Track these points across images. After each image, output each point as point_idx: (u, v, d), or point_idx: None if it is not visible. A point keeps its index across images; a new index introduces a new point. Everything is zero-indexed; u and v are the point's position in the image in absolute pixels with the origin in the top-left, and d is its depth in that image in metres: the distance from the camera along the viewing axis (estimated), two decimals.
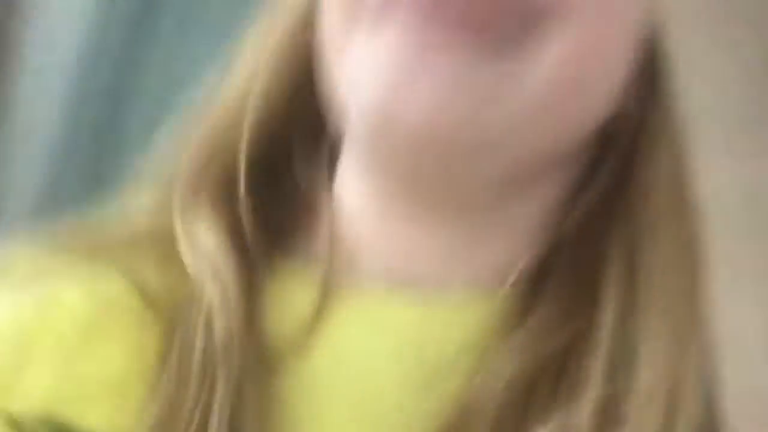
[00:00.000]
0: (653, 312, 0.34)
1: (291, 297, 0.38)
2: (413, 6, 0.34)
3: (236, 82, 0.41)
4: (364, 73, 0.35)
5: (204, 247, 0.38)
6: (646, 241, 0.36)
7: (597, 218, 0.37)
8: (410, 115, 0.34)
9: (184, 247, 0.38)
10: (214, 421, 0.34)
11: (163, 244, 0.39)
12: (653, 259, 0.35)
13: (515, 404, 0.34)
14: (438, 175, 0.37)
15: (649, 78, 0.37)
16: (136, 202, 0.41)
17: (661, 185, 0.36)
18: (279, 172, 0.41)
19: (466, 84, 0.34)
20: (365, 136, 0.37)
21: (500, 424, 0.34)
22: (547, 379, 0.34)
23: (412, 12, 0.34)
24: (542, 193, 0.39)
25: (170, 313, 0.37)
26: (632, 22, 0.36)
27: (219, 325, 0.36)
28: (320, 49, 0.39)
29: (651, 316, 0.34)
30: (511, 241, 0.39)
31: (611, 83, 0.37)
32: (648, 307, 0.35)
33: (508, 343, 0.36)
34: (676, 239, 0.35)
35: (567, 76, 0.36)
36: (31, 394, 0.36)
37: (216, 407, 0.34)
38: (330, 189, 0.40)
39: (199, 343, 0.36)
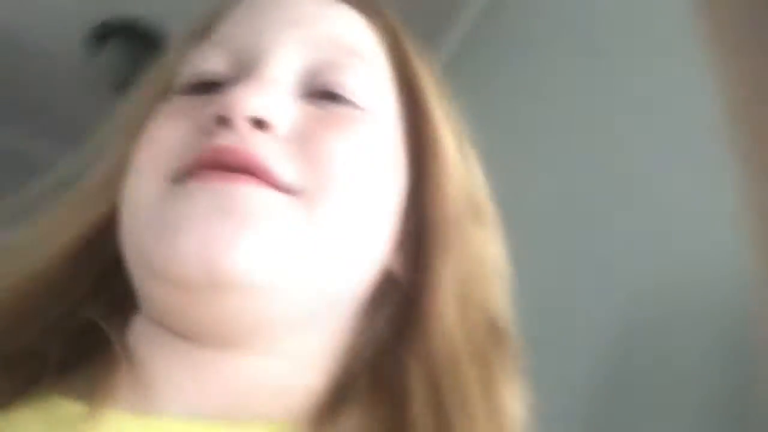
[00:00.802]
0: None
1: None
2: (211, 171, 0.40)
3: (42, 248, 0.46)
4: (195, 255, 0.38)
5: None
6: (441, 371, 0.41)
7: (389, 353, 0.43)
8: (235, 264, 0.38)
9: None
10: None
11: None
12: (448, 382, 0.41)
13: None
14: (241, 317, 0.40)
15: (415, 240, 0.45)
16: None
17: (444, 323, 0.42)
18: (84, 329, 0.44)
19: (278, 237, 0.39)
20: (176, 287, 0.39)
21: None
22: None
23: (214, 175, 0.40)
24: (330, 333, 0.44)
25: None
26: (384, 203, 0.44)
27: None
28: (123, 219, 0.43)
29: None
30: (302, 376, 0.43)
31: (375, 248, 0.44)
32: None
33: None
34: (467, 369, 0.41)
35: (343, 242, 0.42)
36: None
37: None
38: (122, 340, 0.43)
39: None
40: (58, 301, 0.45)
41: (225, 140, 0.41)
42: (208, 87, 0.45)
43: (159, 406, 0.40)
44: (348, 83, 0.45)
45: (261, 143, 0.41)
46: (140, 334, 0.44)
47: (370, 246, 0.44)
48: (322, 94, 0.45)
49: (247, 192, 0.39)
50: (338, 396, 0.41)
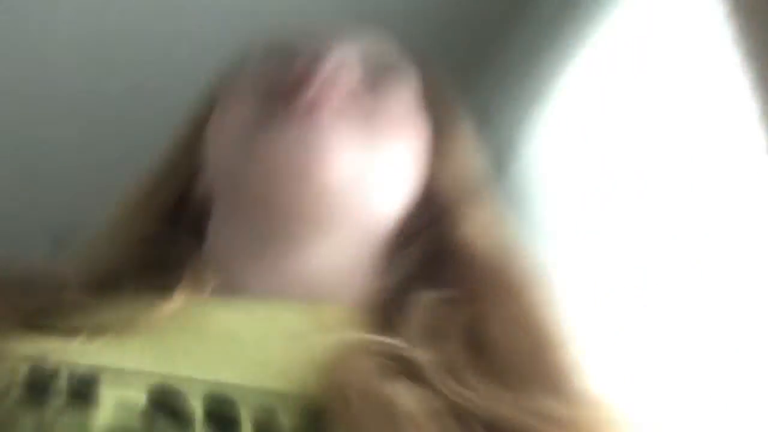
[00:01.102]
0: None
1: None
2: (304, 109, 0.50)
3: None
4: (287, 150, 0.49)
5: None
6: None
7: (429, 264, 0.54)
8: (331, 173, 0.49)
9: None
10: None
11: None
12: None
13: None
14: (316, 206, 0.50)
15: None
16: None
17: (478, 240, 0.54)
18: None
19: (354, 150, 0.50)
20: (278, 191, 0.50)
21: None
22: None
23: (305, 111, 0.50)
24: (372, 247, 0.54)
25: None
26: (418, 160, 0.55)
27: None
28: (216, 145, 0.55)
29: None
30: (358, 272, 0.54)
31: (407, 193, 0.55)
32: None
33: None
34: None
35: (395, 175, 0.54)
36: None
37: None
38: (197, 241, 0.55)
39: None
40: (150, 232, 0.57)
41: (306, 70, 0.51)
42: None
43: (239, 292, 0.51)
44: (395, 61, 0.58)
45: (343, 80, 0.52)
46: (218, 239, 0.55)
47: (407, 189, 0.55)
48: (377, 69, 0.56)
49: (330, 120, 0.50)
50: (398, 289, 0.52)
